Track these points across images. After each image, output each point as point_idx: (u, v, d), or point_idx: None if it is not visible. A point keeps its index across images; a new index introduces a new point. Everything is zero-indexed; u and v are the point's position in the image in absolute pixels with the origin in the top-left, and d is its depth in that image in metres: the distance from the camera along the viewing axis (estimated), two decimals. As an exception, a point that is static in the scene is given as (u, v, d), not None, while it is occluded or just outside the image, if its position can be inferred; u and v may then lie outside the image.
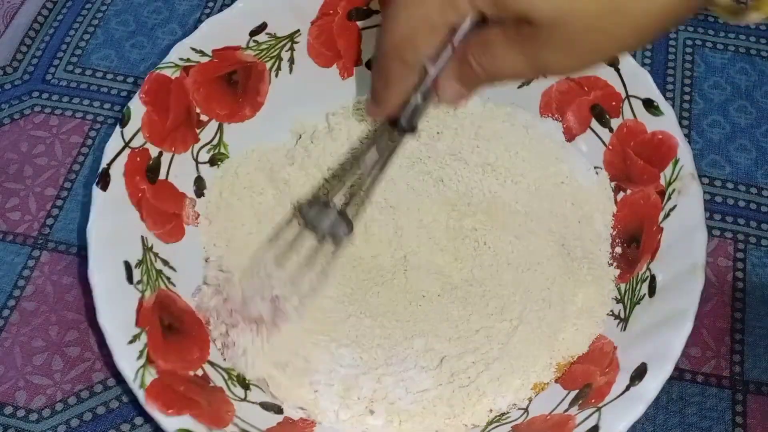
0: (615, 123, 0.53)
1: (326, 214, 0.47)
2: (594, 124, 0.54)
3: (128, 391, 0.50)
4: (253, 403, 0.48)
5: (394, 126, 0.44)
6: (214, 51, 0.53)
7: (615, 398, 0.44)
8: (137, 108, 0.51)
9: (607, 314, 0.50)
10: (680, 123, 0.57)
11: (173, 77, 0.52)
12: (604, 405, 0.44)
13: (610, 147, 0.53)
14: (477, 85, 0.41)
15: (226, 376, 0.49)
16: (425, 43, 0.40)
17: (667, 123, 0.51)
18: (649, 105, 0.51)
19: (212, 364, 0.49)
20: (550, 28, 0.36)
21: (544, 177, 0.54)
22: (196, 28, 0.54)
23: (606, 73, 0.53)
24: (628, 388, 0.44)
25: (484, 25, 0.39)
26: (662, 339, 0.45)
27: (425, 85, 0.42)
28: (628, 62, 0.52)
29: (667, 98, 0.59)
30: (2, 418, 0.49)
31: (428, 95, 0.42)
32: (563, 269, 0.51)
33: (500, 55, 0.39)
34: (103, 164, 0.49)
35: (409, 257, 0.52)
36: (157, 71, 0.52)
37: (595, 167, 0.54)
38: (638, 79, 0.52)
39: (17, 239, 0.56)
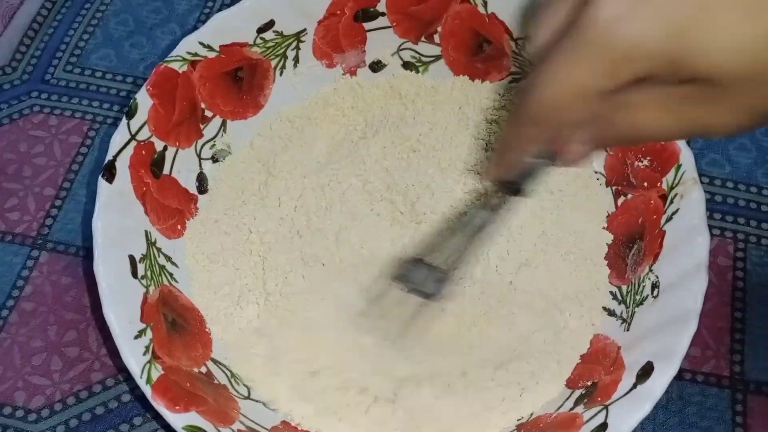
0: (617, 128, 0.53)
1: (432, 276, 0.45)
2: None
3: (127, 391, 0.50)
4: (256, 401, 0.48)
5: (506, 186, 0.43)
6: (221, 46, 0.54)
7: (622, 396, 0.44)
8: (144, 100, 0.51)
9: (610, 315, 0.50)
10: (680, 123, 0.58)
11: (180, 71, 0.53)
12: (611, 403, 0.44)
13: (611, 152, 0.54)
14: (607, 146, 0.39)
15: (229, 374, 0.49)
16: (574, 112, 0.36)
17: (668, 129, 0.51)
18: (651, 110, 0.52)
19: (215, 361, 0.49)
20: (731, 87, 0.33)
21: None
22: (195, 28, 0.54)
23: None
24: (634, 386, 0.44)
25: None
26: (667, 338, 0.45)
27: (547, 150, 0.40)
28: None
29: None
30: (1, 419, 0.49)
31: (549, 159, 0.40)
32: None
33: (647, 117, 0.36)
34: (109, 156, 0.49)
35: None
36: (165, 64, 0.52)
37: (596, 172, 0.55)
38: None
39: (16, 239, 0.55)
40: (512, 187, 0.43)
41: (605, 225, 0.53)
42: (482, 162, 0.52)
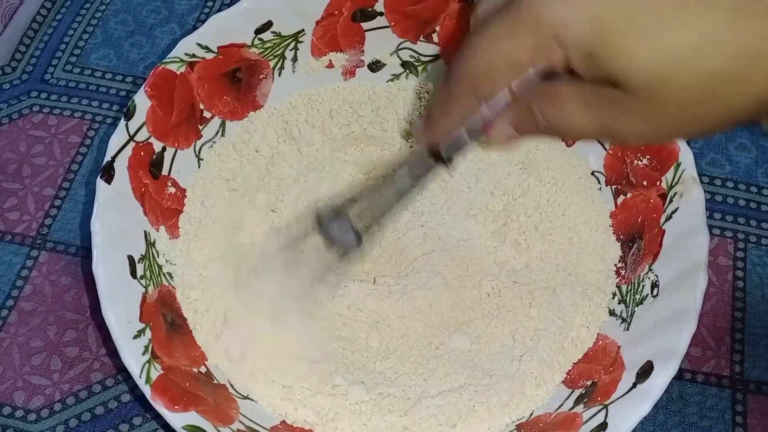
0: (616, 127, 0.53)
1: (342, 225, 0.46)
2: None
3: (127, 391, 0.50)
4: (255, 401, 0.48)
5: (433, 154, 0.43)
6: (219, 47, 0.54)
7: (622, 396, 0.44)
8: (142, 101, 0.51)
9: (610, 314, 0.50)
10: (680, 123, 0.58)
11: (178, 72, 0.53)
12: (611, 402, 0.44)
13: (611, 151, 0.54)
14: (533, 134, 0.40)
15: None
16: (503, 80, 0.38)
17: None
18: (651, 111, 0.52)
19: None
20: (642, 97, 0.34)
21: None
22: (195, 27, 0.54)
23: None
24: (634, 385, 0.44)
25: (554, 77, 0.37)
26: (667, 337, 0.45)
27: (475, 123, 0.41)
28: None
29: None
30: (1, 419, 0.49)
31: (476, 134, 0.41)
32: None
33: (569, 113, 0.37)
34: (108, 157, 0.49)
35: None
36: (163, 66, 0.52)
37: (595, 171, 0.55)
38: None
39: (15, 239, 0.55)
40: (439, 155, 0.43)
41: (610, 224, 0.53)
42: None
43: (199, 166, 0.54)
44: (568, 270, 0.52)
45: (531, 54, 0.36)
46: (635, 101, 0.34)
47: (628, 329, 0.48)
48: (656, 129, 0.35)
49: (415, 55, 0.58)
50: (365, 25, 0.57)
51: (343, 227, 0.46)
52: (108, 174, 0.49)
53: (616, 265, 0.52)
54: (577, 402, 0.46)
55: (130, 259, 0.48)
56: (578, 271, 0.51)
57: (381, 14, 0.57)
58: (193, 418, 0.43)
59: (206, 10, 0.65)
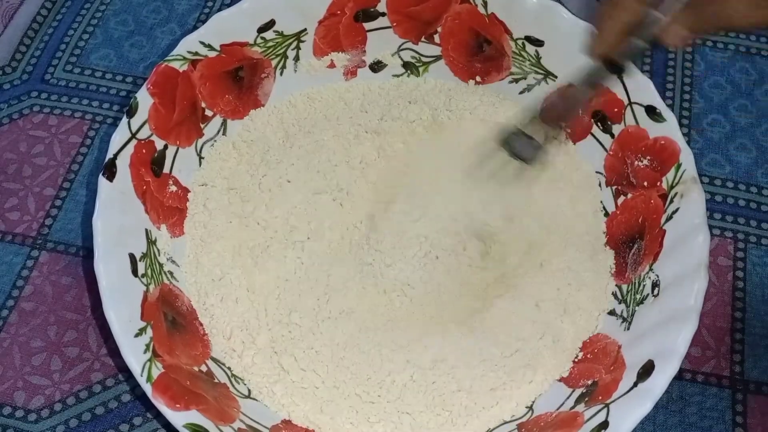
0: (617, 129, 0.53)
1: (529, 144, 0.51)
2: (595, 130, 0.54)
3: (127, 391, 0.50)
4: (256, 400, 0.48)
5: (608, 63, 0.48)
6: (222, 46, 0.54)
7: (623, 395, 0.44)
8: (144, 99, 0.51)
9: (610, 314, 0.50)
10: (680, 122, 0.58)
11: (181, 70, 0.53)
12: (612, 401, 0.44)
13: (611, 152, 0.54)
14: (706, 32, 0.45)
15: (229, 373, 0.49)
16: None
17: (668, 129, 0.51)
18: (651, 112, 0.52)
19: (215, 360, 0.49)
20: None
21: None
22: (195, 27, 0.54)
23: (609, 81, 0.53)
24: (635, 384, 0.44)
25: None
26: (668, 336, 0.45)
27: (650, 29, 0.46)
28: (630, 70, 0.53)
29: (667, 97, 0.60)
30: (1, 419, 0.49)
31: (650, 39, 0.46)
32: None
33: (739, 9, 0.41)
34: (110, 154, 0.49)
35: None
36: (165, 63, 0.52)
37: (596, 172, 0.55)
38: (640, 87, 0.52)
39: (16, 239, 0.55)
40: (615, 65, 0.48)
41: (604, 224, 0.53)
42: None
43: (200, 165, 0.55)
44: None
45: None
46: None
47: (628, 329, 0.48)
48: None
49: (417, 55, 0.59)
50: (367, 26, 0.57)
51: (523, 143, 0.51)
52: (110, 171, 0.49)
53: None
54: (578, 401, 0.46)
55: (132, 257, 0.48)
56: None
57: (383, 14, 0.57)
58: (194, 416, 0.43)
59: (206, 10, 0.65)
